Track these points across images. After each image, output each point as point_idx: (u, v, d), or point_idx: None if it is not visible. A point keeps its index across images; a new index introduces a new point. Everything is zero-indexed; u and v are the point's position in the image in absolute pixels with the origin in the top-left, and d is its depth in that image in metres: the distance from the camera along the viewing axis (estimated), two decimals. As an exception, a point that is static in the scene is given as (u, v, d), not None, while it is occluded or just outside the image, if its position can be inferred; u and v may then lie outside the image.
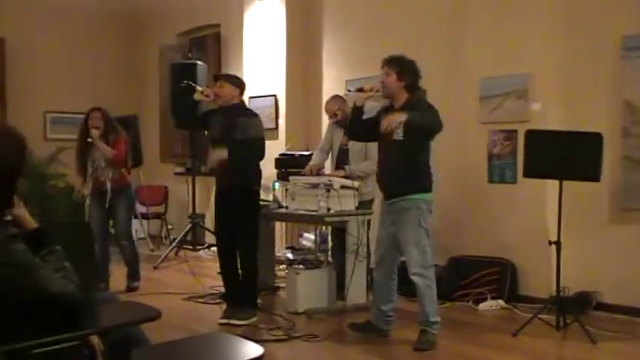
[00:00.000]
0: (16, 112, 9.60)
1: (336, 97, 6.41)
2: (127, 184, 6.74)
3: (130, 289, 6.68)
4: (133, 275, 6.81)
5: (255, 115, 5.66)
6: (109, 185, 6.49)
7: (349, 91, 5.28)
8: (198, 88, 5.79)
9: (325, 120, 6.88)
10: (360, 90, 4.91)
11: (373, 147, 6.09)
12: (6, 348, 2.11)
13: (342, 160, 6.22)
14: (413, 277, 4.77)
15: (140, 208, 9.38)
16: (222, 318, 5.46)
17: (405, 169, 4.73)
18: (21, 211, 2.41)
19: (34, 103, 9.86)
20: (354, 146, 6.16)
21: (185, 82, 6.02)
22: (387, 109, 4.88)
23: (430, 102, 4.97)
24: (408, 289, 6.30)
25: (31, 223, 2.44)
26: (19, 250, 2.24)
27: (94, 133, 6.45)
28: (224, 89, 5.55)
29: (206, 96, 5.64)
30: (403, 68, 4.74)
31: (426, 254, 4.77)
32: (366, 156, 6.12)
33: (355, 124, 5.00)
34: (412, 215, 4.71)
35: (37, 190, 8.57)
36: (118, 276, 6.85)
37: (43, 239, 2.42)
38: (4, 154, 2.29)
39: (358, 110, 4.93)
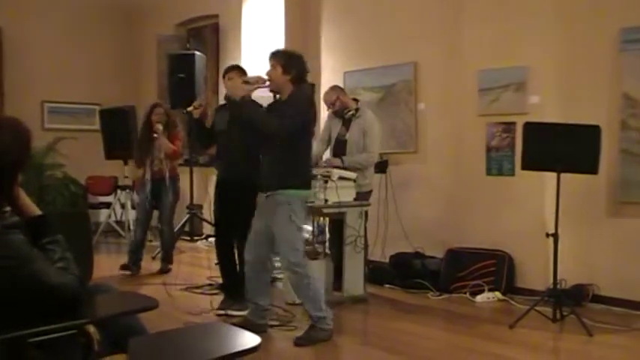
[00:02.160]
0: (13, 102, 9.60)
1: (334, 88, 6.40)
2: (177, 175, 7.24)
3: (164, 270, 7.10)
4: (167, 258, 7.22)
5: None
6: (167, 174, 6.99)
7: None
8: (193, 106, 5.70)
9: (324, 111, 6.88)
10: (246, 82, 4.83)
11: (373, 139, 6.10)
12: (2, 337, 2.11)
13: (339, 150, 6.21)
14: (287, 273, 4.73)
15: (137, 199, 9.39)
16: (219, 308, 5.47)
17: (279, 164, 4.66)
18: (24, 199, 2.42)
19: (32, 93, 9.85)
20: (352, 137, 6.16)
21: (184, 111, 6.30)
22: (274, 104, 4.86)
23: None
24: (406, 281, 6.37)
25: (35, 210, 2.45)
26: (16, 241, 2.24)
27: (159, 128, 6.93)
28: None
29: (200, 106, 5.62)
30: (289, 62, 4.68)
31: (295, 252, 4.66)
32: (364, 148, 6.12)
33: (236, 117, 4.95)
34: (283, 211, 4.61)
35: (34, 180, 8.57)
36: (114, 266, 6.88)
37: (45, 228, 2.42)
38: (8, 146, 2.30)
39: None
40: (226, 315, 5.35)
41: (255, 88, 4.80)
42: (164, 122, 7.01)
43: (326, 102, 6.34)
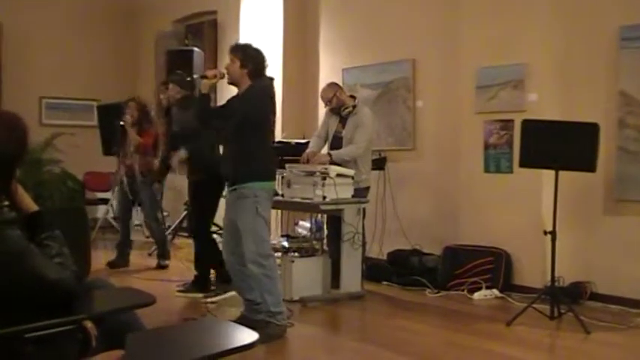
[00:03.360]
0: (11, 98, 9.59)
1: (331, 85, 6.39)
2: (153, 168, 7.13)
3: (161, 266, 7.16)
4: (162, 254, 7.25)
5: None
6: (137, 168, 6.99)
7: (194, 77, 5.22)
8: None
9: (322, 109, 6.87)
10: (204, 77, 4.83)
11: (362, 132, 6.09)
12: (0, 332, 2.11)
13: (336, 146, 6.20)
14: (249, 266, 4.62)
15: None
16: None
17: (241, 157, 4.64)
18: (22, 195, 2.42)
19: (30, 89, 9.84)
20: (347, 133, 6.16)
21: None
22: (232, 99, 4.85)
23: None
24: (404, 278, 6.38)
25: (32, 205, 2.44)
26: (13, 237, 2.23)
27: (127, 119, 6.94)
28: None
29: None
30: (246, 56, 4.67)
31: (263, 243, 4.64)
32: (351, 141, 6.12)
33: (203, 112, 4.89)
34: (249, 203, 4.58)
35: (32, 175, 8.57)
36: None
37: (43, 223, 2.41)
38: (5, 141, 2.29)
39: (204, 97, 4.83)
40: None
41: (214, 82, 4.84)
42: (135, 116, 6.96)
43: (323, 99, 6.33)
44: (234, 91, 4.88)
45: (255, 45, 4.83)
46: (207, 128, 5.35)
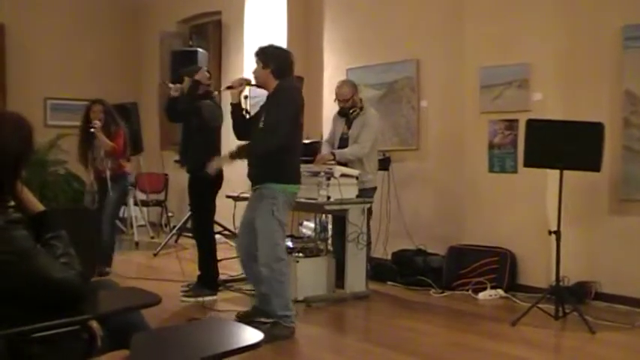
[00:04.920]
0: (16, 99, 9.60)
1: (350, 84, 6.32)
2: (123, 173, 7.00)
3: (100, 273, 6.48)
4: (104, 259, 6.76)
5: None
6: (108, 173, 6.74)
7: (221, 90, 5.20)
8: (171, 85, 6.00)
9: (326, 108, 6.87)
10: (230, 87, 4.87)
11: (367, 132, 6.09)
12: (6, 332, 2.11)
13: (342, 148, 6.19)
14: (261, 268, 4.63)
15: (140, 196, 9.42)
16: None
17: (267, 157, 4.63)
18: (27, 195, 2.42)
19: (35, 90, 9.85)
20: (353, 133, 6.15)
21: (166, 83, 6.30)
22: (265, 103, 4.85)
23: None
24: (408, 278, 6.37)
25: (38, 206, 2.45)
26: (19, 237, 2.24)
27: (97, 124, 6.70)
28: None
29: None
30: (267, 56, 4.71)
31: (276, 247, 4.64)
32: (357, 141, 6.11)
33: (238, 122, 4.89)
34: (266, 204, 4.60)
35: (37, 176, 8.58)
36: (116, 262, 6.91)
37: (48, 223, 2.42)
38: (10, 141, 2.30)
39: (236, 107, 4.86)
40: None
41: (240, 91, 4.87)
42: (102, 119, 6.76)
43: (338, 95, 6.22)
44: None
45: (277, 44, 4.88)
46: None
